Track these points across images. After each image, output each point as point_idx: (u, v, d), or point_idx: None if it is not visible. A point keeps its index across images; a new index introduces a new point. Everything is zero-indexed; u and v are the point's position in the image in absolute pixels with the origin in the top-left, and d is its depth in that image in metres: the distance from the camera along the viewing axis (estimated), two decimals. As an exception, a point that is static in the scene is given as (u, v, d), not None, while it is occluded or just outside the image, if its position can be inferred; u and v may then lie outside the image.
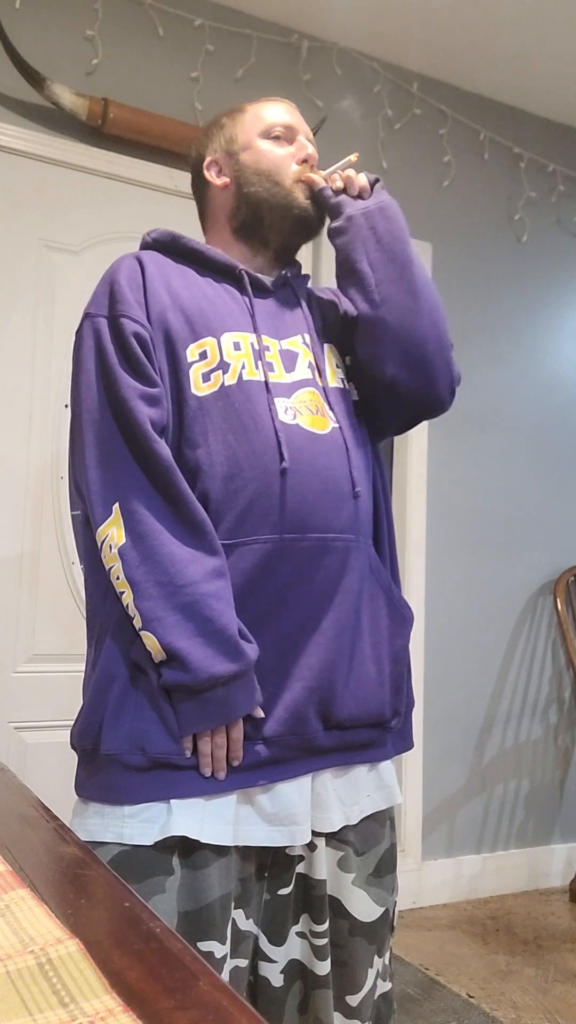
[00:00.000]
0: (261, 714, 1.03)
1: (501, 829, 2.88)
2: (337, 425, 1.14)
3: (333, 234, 1.19)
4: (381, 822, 1.16)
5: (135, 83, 2.42)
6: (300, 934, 1.09)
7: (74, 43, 2.36)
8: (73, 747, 1.08)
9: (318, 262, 2.50)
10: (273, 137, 1.21)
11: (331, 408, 1.14)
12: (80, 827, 1.02)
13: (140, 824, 0.99)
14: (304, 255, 1.38)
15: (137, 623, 1.00)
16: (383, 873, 1.14)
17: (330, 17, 2.63)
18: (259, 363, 1.11)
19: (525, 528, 2.99)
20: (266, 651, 1.03)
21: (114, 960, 0.52)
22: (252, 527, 1.05)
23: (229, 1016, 0.46)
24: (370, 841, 1.13)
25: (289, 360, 1.14)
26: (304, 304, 1.22)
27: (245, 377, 1.09)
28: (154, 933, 0.56)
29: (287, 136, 1.22)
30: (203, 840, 0.99)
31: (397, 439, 2.74)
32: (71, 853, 0.74)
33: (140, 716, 1.01)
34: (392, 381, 1.16)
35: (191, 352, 1.10)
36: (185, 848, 1.00)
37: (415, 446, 2.79)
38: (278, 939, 1.08)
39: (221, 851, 1.01)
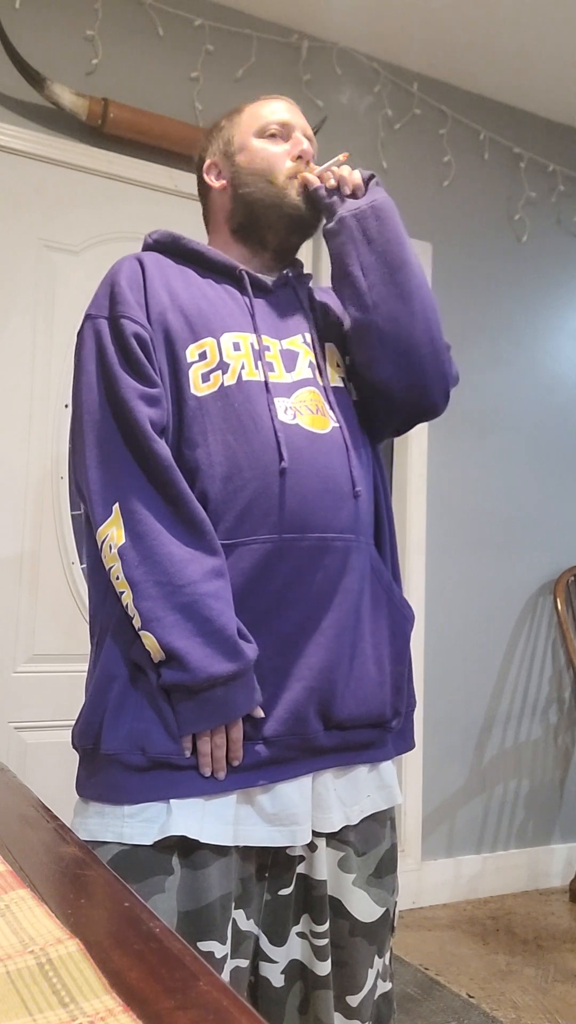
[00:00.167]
0: (261, 714, 1.03)
1: (501, 829, 2.88)
2: (338, 424, 1.13)
3: (327, 236, 1.19)
4: (381, 822, 1.16)
5: (135, 83, 2.42)
6: (301, 934, 1.09)
7: (74, 43, 2.36)
8: (74, 747, 1.09)
9: (318, 262, 2.50)
10: (268, 135, 1.21)
11: (332, 408, 1.14)
12: (81, 827, 1.02)
13: (140, 824, 0.99)
14: (304, 255, 1.38)
15: (136, 623, 1.00)
16: (383, 873, 1.14)
17: (330, 17, 2.63)
18: (259, 363, 1.11)
19: (525, 528, 2.99)
20: (266, 651, 1.03)
21: (114, 960, 0.52)
22: (252, 527, 1.05)
23: (229, 1016, 0.46)
24: (371, 841, 1.13)
25: (290, 360, 1.14)
26: (305, 304, 1.22)
27: (244, 377, 1.09)
28: (154, 933, 0.56)
29: (283, 133, 1.21)
30: (203, 840, 0.99)
31: (397, 439, 2.74)
32: (71, 853, 0.74)
33: (140, 716, 1.01)
34: (385, 385, 1.15)
35: (191, 352, 1.10)
36: (185, 848, 1.00)
37: (415, 446, 2.79)
38: (279, 939, 1.08)
39: (221, 851, 1.01)
